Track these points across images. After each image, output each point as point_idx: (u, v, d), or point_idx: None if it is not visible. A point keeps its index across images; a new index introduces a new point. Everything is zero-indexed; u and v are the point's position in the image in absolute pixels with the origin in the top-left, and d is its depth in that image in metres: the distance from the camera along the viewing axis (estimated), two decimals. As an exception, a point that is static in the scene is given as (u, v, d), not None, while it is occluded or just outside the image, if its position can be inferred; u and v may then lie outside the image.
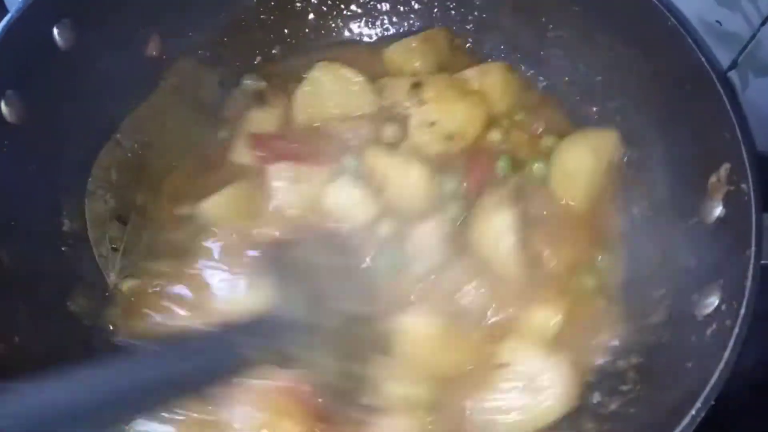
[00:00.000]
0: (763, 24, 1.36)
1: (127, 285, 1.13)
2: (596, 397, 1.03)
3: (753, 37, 1.39)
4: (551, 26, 1.33)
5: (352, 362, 0.96)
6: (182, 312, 1.06)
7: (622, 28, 1.20)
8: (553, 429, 0.98)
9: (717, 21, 1.38)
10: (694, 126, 1.09)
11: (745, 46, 1.41)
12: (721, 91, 1.02)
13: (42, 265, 1.06)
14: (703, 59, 1.06)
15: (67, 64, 1.07)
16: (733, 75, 1.47)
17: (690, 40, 1.08)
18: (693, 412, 0.77)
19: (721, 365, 0.80)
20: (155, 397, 0.79)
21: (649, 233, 1.17)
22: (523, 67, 1.39)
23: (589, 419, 1.00)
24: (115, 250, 1.16)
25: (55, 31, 1.05)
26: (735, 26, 1.37)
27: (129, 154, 1.22)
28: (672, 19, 1.09)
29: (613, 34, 1.23)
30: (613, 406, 0.98)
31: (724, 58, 1.44)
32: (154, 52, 1.25)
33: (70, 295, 1.10)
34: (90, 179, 1.16)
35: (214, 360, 0.84)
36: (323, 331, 0.94)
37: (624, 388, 1.00)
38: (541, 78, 1.39)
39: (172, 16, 1.25)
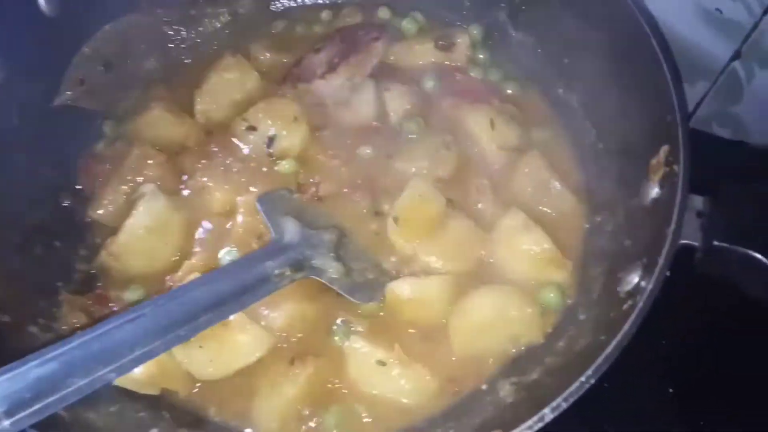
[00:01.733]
0: (765, 13, 1.34)
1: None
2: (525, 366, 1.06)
3: (755, 26, 1.36)
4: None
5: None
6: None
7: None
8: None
9: (717, 9, 1.36)
10: (645, 109, 1.10)
11: (748, 36, 1.39)
12: (667, 73, 1.03)
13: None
14: (653, 40, 1.06)
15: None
16: (737, 66, 1.45)
17: (642, 21, 1.08)
18: (582, 378, 0.80)
19: (618, 337, 0.82)
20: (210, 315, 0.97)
21: (604, 212, 1.18)
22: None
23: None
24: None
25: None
26: (736, 15, 1.35)
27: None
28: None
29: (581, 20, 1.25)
30: (534, 375, 1.01)
31: (726, 48, 1.42)
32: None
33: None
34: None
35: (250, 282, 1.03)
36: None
37: (549, 359, 1.03)
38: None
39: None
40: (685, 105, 1.00)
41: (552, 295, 1.10)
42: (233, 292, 1.01)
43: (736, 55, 1.44)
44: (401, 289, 1.11)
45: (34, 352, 0.84)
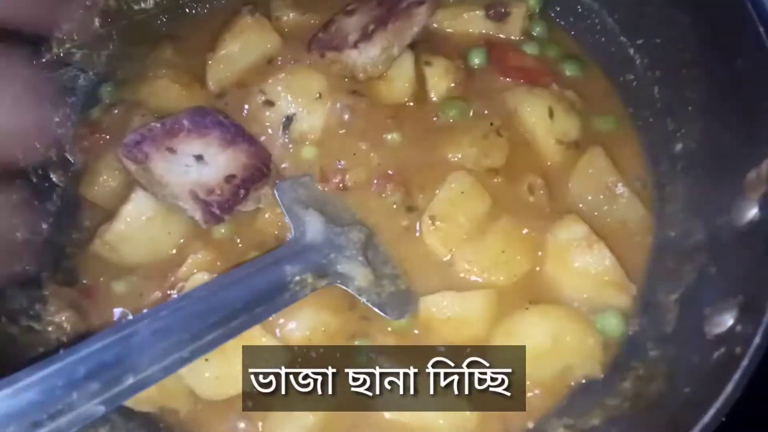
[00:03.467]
0: None
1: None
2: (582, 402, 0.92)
3: None
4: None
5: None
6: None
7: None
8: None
9: None
10: (742, 108, 0.92)
11: None
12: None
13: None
14: (761, 30, 0.87)
15: None
16: None
17: (751, 9, 0.89)
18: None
19: (719, 402, 0.67)
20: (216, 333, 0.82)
21: (680, 227, 1.01)
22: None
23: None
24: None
25: None
26: None
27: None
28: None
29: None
30: (595, 421, 0.87)
31: None
32: None
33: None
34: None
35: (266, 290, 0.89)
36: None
37: (611, 402, 0.88)
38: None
39: None
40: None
41: (612, 321, 0.95)
42: (245, 303, 0.86)
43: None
44: (438, 304, 0.96)
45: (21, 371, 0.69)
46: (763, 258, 0.77)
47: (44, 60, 1.09)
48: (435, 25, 1.23)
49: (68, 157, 1.11)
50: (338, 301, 0.98)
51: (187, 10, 1.26)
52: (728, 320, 0.78)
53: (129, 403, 0.88)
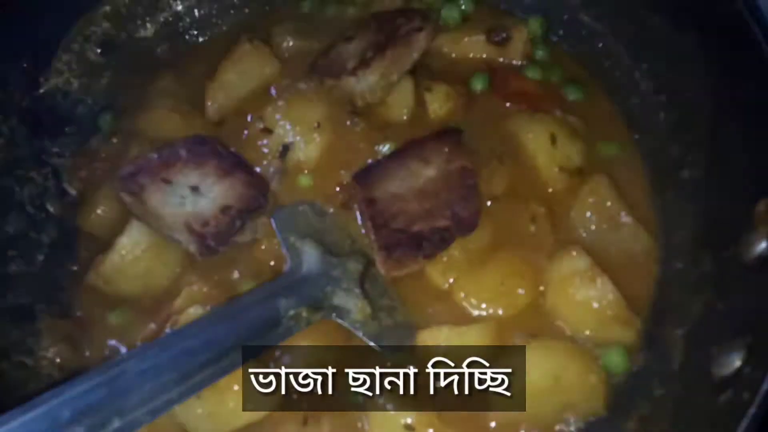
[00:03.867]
0: None
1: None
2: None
3: None
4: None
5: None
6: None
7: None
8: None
9: None
10: (750, 133, 0.89)
11: None
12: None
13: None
14: (765, 47, 0.85)
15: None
16: None
17: (758, 32, 0.86)
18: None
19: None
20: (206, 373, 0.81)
21: (686, 258, 0.98)
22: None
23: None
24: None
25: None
26: None
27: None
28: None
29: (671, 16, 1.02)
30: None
31: None
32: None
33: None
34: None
35: (258, 325, 0.87)
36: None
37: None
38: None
39: None
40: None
41: (615, 357, 0.92)
42: (237, 340, 0.84)
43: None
44: (435, 338, 0.93)
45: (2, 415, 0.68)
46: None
47: (42, 90, 1.10)
48: (436, 50, 1.21)
49: (66, 187, 1.10)
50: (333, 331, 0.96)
51: (187, 38, 1.26)
52: (735, 361, 0.75)
53: (121, 439, 0.87)
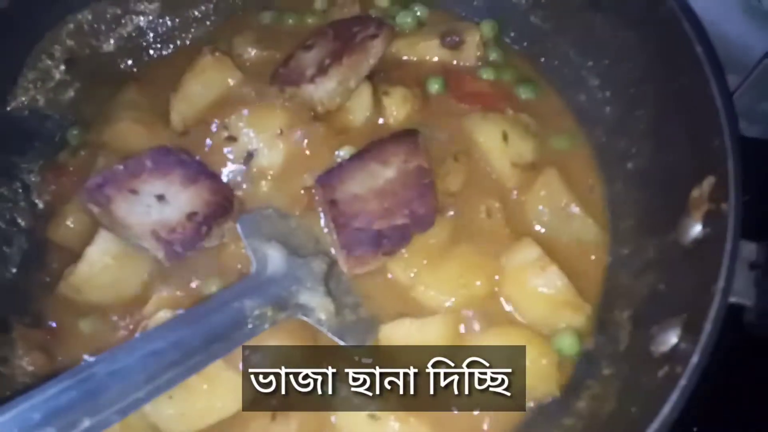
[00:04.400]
0: None
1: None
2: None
3: None
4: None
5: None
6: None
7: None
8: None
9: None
10: (686, 126, 0.94)
11: None
12: (715, 89, 0.87)
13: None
14: (699, 50, 0.90)
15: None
16: None
17: (689, 29, 0.92)
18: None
19: (656, 424, 0.68)
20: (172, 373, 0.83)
21: (632, 245, 1.03)
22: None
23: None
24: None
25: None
26: None
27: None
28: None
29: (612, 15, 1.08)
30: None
31: (762, 41, 1.26)
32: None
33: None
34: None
35: (224, 326, 0.90)
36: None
37: (567, 421, 0.89)
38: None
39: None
40: (736, 128, 0.84)
41: (567, 341, 0.97)
42: (203, 340, 0.88)
43: (780, 53, 1.28)
44: (397, 331, 0.97)
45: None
46: (707, 277, 0.78)
47: (9, 108, 1.12)
48: (393, 55, 1.25)
49: (35, 200, 1.13)
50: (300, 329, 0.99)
51: (151, 52, 1.29)
52: (672, 338, 0.80)
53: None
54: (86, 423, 0.75)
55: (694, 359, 0.71)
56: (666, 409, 0.69)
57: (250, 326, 0.92)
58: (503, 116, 1.15)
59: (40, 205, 1.13)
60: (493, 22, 1.27)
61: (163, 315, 0.97)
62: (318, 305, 0.98)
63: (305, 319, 0.97)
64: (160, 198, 1.02)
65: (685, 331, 0.78)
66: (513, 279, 1.01)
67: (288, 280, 0.99)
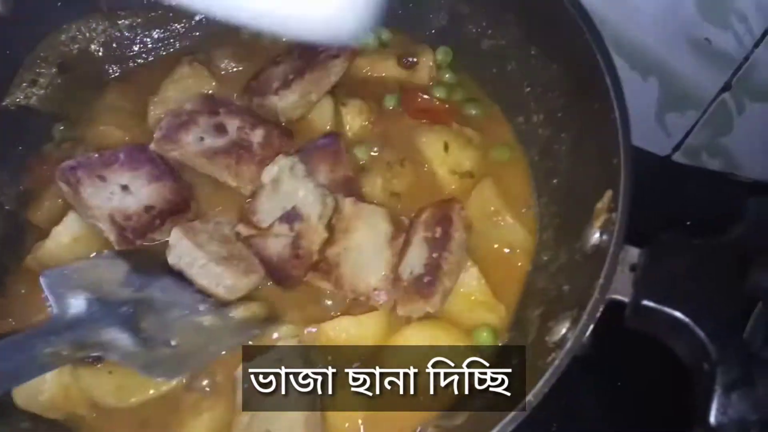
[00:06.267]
0: (756, 46, 1.29)
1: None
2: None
3: (746, 58, 1.31)
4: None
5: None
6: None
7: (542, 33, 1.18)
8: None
9: (706, 39, 1.31)
10: (596, 148, 1.05)
11: (738, 68, 1.34)
12: (616, 113, 0.98)
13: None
14: (608, 81, 1.01)
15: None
16: (727, 98, 1.40)
17: (601, 61, 1.03)
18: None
19: (529, 396, 0.78)
20: None
21: (550, 252, 1.14)
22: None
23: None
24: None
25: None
26: (726, 46, 1.30)
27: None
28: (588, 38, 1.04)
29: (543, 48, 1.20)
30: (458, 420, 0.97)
31: (715, 79, 1.37)
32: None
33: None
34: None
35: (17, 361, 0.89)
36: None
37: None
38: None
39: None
40: (629, 150, 0.95)
41: (484, 335, 1.06)
42: None
43: (726, 87, 1.39)
44: (335, 328, 1.06)
45: None
46: (594, 276, 0.88)
47: (4, 103, 1.25)
48: (355, 71, 1.37)
49: (21, 188, 1.25)
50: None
51: (136, 59, 1.42)
52: (563, 330, 0.90)
53: (37, 410, 1.00)
54: None
55: (568, 345, 0.81)
56: (538, 385, 0.79)
57: (39, 363, 0.91)
58: (448, 129, 1.26)
59: (22, 190, 1.24)
60: (446, 48, 1.38)
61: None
62: (121, 343, 0.98)
63: (108, 357, 0.98)
64: (124, 188, 1.12)
65: (572, 324, 0.88)
66: (439, 277, 1.10)
67: (89, 322, 0.99)
